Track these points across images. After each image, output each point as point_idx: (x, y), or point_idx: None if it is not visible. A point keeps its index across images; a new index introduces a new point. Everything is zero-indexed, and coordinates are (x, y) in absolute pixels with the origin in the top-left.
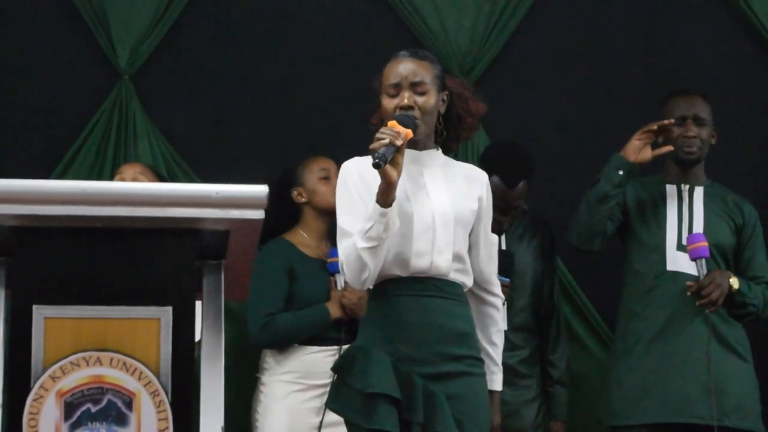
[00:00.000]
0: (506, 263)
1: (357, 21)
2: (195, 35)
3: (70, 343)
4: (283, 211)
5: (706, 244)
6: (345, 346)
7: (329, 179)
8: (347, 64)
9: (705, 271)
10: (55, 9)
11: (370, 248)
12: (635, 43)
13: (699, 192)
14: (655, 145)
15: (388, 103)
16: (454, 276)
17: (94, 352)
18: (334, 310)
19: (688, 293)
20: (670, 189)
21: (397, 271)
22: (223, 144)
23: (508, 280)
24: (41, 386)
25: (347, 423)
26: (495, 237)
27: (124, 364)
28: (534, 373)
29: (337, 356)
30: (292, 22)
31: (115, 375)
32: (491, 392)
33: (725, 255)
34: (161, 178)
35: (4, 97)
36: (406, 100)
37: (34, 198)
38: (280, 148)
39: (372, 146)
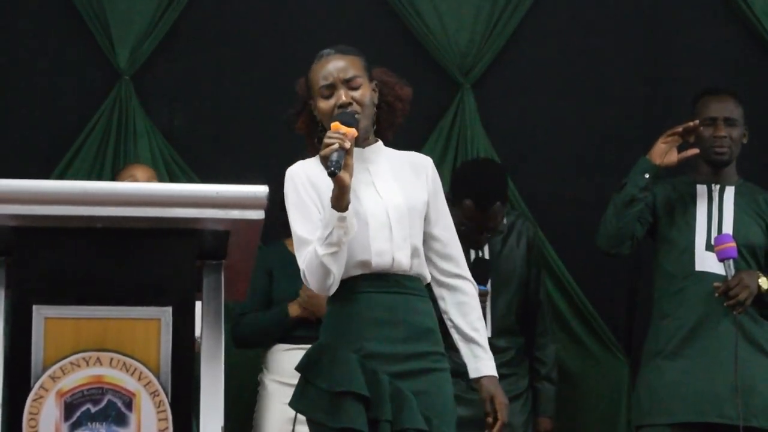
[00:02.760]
0: (482, 271)
1: (357, 21)
2: (195, 35)
3: (70, 343)
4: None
5: (733, 244)
6: None
7: None
8: None
9: (733, 272)
10: (54, 9)
11: (332, 254)
12: (635, 44)
13: (730, 192)
14: (682, 147)
15: (325, 104)
16: (415, 270)
17: (94, 352)
18: (293, 309)
19: (716, 294)
20: (701, 189)
21: (358, 268)
22: (223, 144)
23: (485, 288)
24: (41, 386)
25: (311, 423)
26: (450, 221)
27: (124, 364)
28: (519, 371)
29: None
30: (292, 22)
31: (114, 375)
32: (487, 377)
33: (756, 255)
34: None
35: (4, 97)
36: (343, 98)
37: (34, 198)
38: (280, 148)
39: (323, 153)
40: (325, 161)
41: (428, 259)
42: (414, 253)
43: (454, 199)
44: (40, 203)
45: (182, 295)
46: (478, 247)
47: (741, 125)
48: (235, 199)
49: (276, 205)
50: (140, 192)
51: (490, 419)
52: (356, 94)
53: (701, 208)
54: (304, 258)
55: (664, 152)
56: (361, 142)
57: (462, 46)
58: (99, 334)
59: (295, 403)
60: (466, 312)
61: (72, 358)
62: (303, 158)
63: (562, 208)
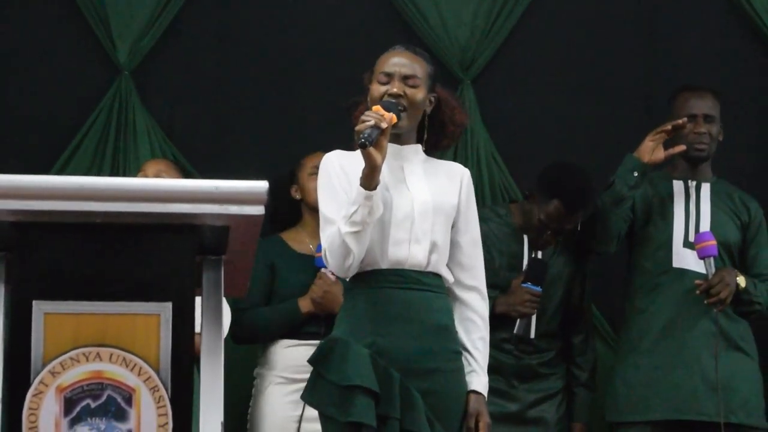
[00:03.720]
0: (539, 272)
1: (357, 16)
2: (196, 31)
3: (70, 339)
4: (287, 209)
5: (714, 242)
6: None
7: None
8: (347, 59)
9: (713, 270)
10: (54, 3)
11: (354, 233)
12: (635, 39)
13: (706, 189)
14: (667, 144)
15: (377, 89)
16: (433, 268)
17: (94, 347)
18: (304, 304)
19: (697, 292)
20: (677, 185)
21: (376, 260)
22: (223, 140)
23: (539, 289)
24: (41, 382)
25: (322, 416)
26: (478, 233)
27: (124, 359)
28: (557, 371)
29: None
30: (292, 18)
31: (114, 370)
32: (476, 393)
33: (731, 252)
34: (186, 173)
35: (3, 92)
36: (396, 89)
37: (33, 193)
38: (280, 144)
39: (357, 128)
40: (358, 135)
41: (448, 268)
42: (433, 250)
43: (539, 197)
44: (40, 198)
45: (182, 291)
46: (542, 249)
47: (718, 122)
48: (235, 194)
49: (276, 200)
50: (140, 187)
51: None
52: (410, 91)
53: (678, 204)
54: (327, 237)
55: (652, 149)
56: (401, 141)
57: (462, 42)
58: (99, 330)
59: (307, 397)
60: (470, 330)
61: (72, 354)
62: (303, 154)
63: None
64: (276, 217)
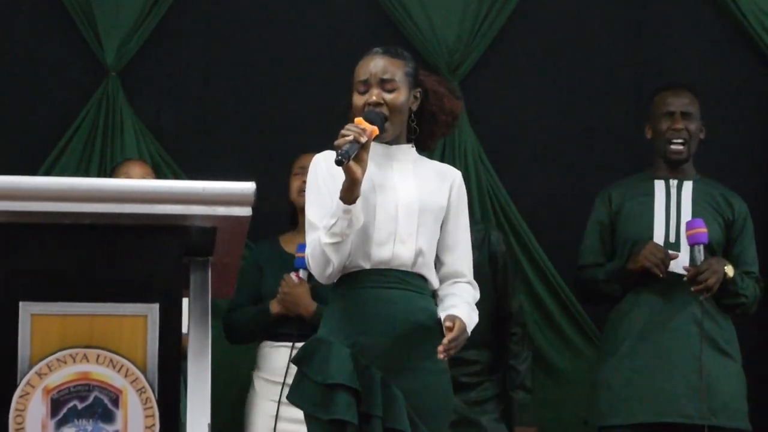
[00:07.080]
0: None
1: (345, 18)
2: (183, 31)
3: (57, 340)
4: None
5: (705, 230)
6: (299, 343)
7: (300, 176)
8: (335, 60)
9: (702, 257)
10: (40, 4)
11: (334, 244)
12: (623, 41)
13: (687, 187)
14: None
15: (358, 99)
16: (419, 269)
17: (81, 348)
18: (273, 306)
19: (684, 279)
20: (658, 185)
21: (360, 262)
22: (210, 141)
23: None
24: (28, 383)
25: (307, 416)
26: (468, 237)
27: (111, 361)
28: (490, 378)
29: (289, 352)
30: (280, 19)
31: (101, 372)
32: (453, 317)
33: (713, 250)
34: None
35: None
36: (374, 97)
37: (20, 194)
38: (267, 145)
39: (336, 142)
40: (336, 150)
41: (436, 267)
42: (418, 252)
43: None
44: (27, 199)
45: (169, 292)
46: None
47: (698, 119)
48: (222, 195)
49: (263, 202)
50: (127, 189)
51: (449, 323)
52: (389, 96)
53: (659, 204)
54: (310, 243)
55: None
56: (390, 141)
57: (449, 43)
58: (86, 331)
59: (291, 396)
60: (453, 295)
61: (59, 355)
62: (289, 154)
63: (548, 205)
64: (292, 221)
